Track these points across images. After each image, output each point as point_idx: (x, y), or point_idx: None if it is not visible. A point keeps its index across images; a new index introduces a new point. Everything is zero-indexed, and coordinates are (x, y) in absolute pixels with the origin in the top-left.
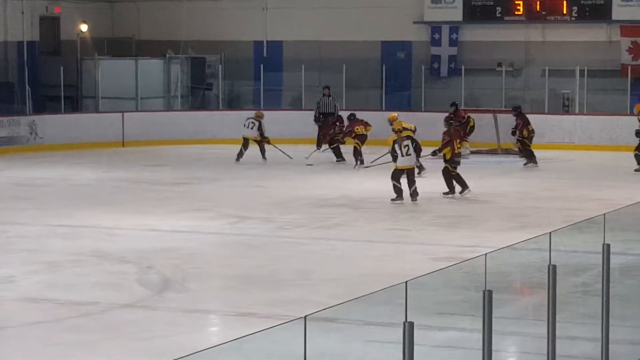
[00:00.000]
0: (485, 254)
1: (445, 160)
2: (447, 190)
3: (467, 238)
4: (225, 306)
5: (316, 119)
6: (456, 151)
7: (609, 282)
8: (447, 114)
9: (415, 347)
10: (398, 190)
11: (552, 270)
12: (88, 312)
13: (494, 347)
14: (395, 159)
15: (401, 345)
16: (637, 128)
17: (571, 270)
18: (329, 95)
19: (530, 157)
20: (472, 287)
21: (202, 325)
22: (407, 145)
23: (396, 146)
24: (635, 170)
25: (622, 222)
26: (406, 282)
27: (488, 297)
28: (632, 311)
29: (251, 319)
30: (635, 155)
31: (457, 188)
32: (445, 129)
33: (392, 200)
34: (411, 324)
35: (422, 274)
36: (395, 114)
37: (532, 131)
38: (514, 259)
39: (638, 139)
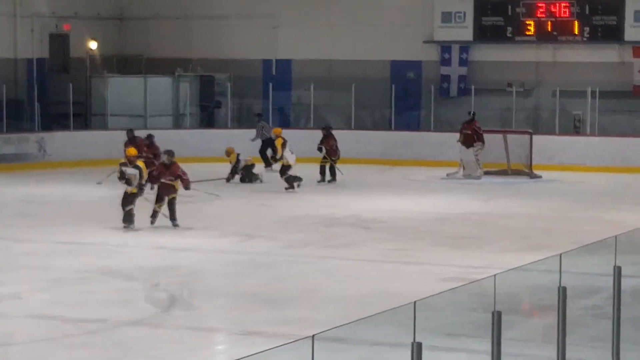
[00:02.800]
0: (495, 275)
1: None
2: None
3: (476, 259)
4: (231, 324)
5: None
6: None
7: (620, 305)
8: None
9: None
10: (129, 216)
11: (562, 292)
12: (94, 330)
13: None
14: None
15: None
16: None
17: (581, 292)
18: (258, 122)
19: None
20: (481, 308)
21: (208, 344)
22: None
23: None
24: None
25: (633, 244)
26: (414, 302)
27: (497, 319)
28: None
29: (257, 338)
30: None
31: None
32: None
33: (125, 226)
34: (419, 345)
35: (431, 295)
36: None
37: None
38: (523, 280)
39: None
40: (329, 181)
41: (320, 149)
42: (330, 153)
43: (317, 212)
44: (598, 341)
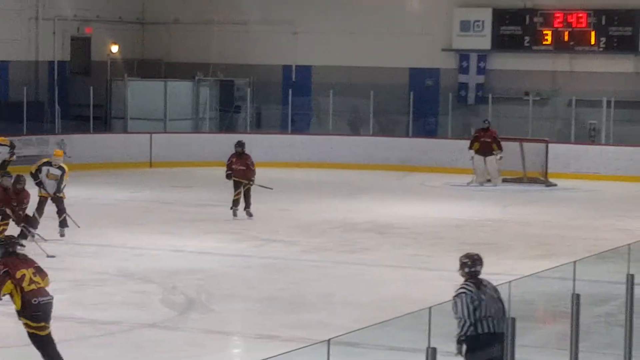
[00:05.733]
0: (510, 282)
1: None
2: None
3: (491, 265)
4: (248, 328)
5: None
6: None
7: (633, 313)
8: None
9: None
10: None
11: (576, 299)
12: (112, 331)
13: None
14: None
15: None
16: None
17: (595, 299)
18: None
19: None
20: None
21: (224, 347)
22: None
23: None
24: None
25: None
26: (430, 307)
27: (512, 325)
28: None
29: (274, 342)
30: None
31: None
32: None
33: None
34: (434, 350)
35: (446, 300)
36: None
37: None
38: (538, 287)
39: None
40: (245, 210)
41: (229, 176)
42: (239, 175)
43: (335, 217)
44: (611, 348)
